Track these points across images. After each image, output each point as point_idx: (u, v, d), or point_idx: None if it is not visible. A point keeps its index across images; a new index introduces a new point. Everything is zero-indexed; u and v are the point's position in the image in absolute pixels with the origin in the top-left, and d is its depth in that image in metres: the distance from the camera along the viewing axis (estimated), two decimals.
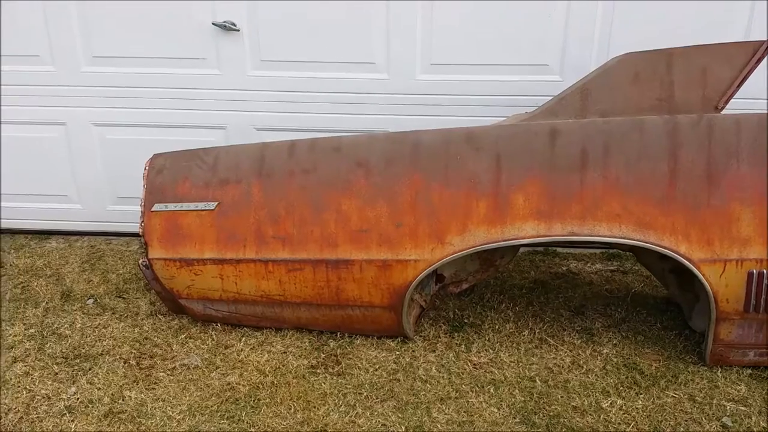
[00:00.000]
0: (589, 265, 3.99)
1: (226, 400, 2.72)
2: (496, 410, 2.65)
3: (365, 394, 2.75)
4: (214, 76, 3.91)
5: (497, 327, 3.23)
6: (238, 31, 3.79)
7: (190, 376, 2.88)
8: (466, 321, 3.30)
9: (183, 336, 3.18)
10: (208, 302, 3.13)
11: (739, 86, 2.82)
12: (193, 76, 3.92)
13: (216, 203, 2.96)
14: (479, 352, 3.03)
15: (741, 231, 2.61)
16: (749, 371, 2.84)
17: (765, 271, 2.60)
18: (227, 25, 3.77)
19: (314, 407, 2.66)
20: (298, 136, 3.16)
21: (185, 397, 2.74)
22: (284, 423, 2.58)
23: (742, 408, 2.64)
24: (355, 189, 2.87)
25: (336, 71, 3.82)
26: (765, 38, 2.86)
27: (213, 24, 3.78)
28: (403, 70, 3.78)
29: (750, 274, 2.61)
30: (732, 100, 2.83)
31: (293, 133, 3.54)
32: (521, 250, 4.07)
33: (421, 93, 3.79)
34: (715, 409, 2.63)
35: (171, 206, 3.00)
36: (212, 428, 2.56)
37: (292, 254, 2.89)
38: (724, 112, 2.80)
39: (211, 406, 2.68)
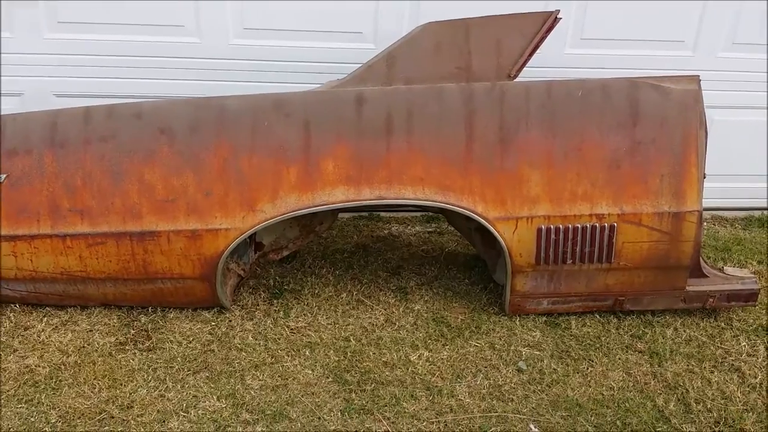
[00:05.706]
0: (409, 227, 4.15)
1: (24, 383, 2.57)
2: (310, 372, 2.71)
3: (177, 367, 2.70)
4: (6, 39, 3.56)
5: (317, 291, 3.29)
6: None
7: None
8: (286, 287, 3.32)
9: None
10: (3, 282, 2.91)
11: (530, 55, 3.01)
12: None
13: (4, 176, 2.74)
14: (297, 317, 3.07)
15: (530, 191, 2.82)
16: (544, 318, 3.10)
17: (552, 227, 2.84)
18: None
19: (121, 384, 2.58)
20: (103, 103, 2.97)
21: None
22: (88, 402, 2.47)
23: (536, 352, 2.88)
24: (158, 157, 2.76)
25: (141, 34, 3.60)
26: (555, 9, 3.05)
27: None
28: (215, 35, 3.66)
29: (539, 230, 2.84)
30: (525, 68, 3.02)
31: (97, 99, 3.28)
32: (345, 215, 4.14)
33: (234, 58, 3.69)
34: (512, 355, 2.86)
35: None
36: (9, 413, 2.42)
37: (93, 227, 2.74)
38: (517, 80, 2.99)
39: (8, 391, 2.53)
